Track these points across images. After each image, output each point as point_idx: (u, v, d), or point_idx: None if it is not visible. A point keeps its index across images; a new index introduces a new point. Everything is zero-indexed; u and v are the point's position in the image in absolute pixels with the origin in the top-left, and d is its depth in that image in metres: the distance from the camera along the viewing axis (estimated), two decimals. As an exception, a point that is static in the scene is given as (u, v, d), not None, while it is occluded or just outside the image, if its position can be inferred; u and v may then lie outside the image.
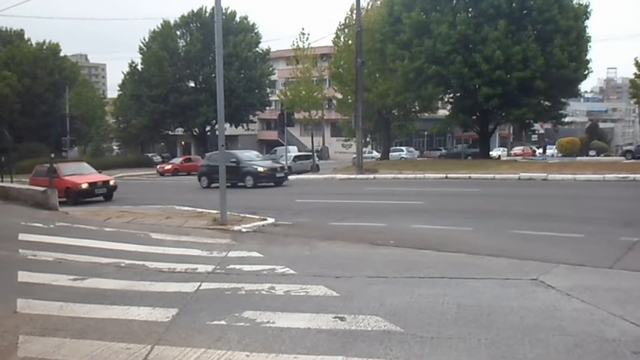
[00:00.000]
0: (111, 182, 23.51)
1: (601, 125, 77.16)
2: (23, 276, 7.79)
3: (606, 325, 5.43)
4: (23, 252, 9.42)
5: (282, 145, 38.55)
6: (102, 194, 22.87)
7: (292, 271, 8.05)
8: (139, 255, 9.37)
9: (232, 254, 9.54)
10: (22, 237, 10.69)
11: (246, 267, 8.38)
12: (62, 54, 68.00)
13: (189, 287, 7.18)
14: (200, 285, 7.23)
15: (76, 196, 21.92)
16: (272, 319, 5.76)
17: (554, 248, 9.61)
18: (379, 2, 46.61)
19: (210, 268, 8.34)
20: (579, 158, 47.40)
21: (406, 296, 6.53)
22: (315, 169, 40.92)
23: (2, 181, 19.96)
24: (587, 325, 5.46)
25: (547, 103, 39.60)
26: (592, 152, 55.87)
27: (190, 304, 6.44)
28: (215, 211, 14.23)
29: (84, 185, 22.23)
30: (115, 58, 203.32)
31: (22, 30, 69.77)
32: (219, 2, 13.09)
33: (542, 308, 6.01)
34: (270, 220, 13.45)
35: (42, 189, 15.69)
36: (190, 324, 5.70)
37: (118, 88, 71.46)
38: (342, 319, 5.71)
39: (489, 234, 11.29)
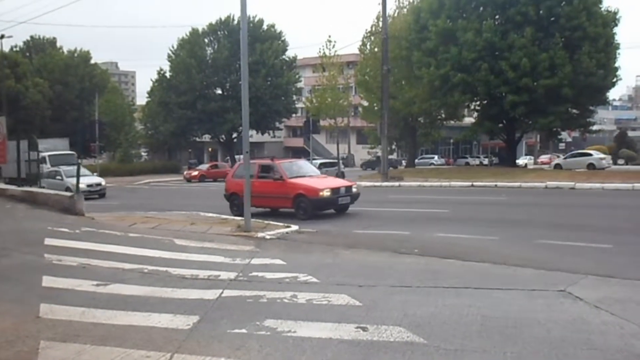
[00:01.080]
0: (354, 189, 17.54)
1: (630, 133, 75.75)
2: (47, 281, 7.84)
3: (637, 339, 5.27)
4: (48, 257, 9.49)
5: (308, 152, 38.34)
6: (345, 204, 16.94)
7: (314, 279, 7.98)
8: (162, 261, 9.39)
9: (255, 261, 9.50)
10: (48, 241, 10.77)
11: (269, 275, 8.33)
12: (92, 61, 69.17)
13: (211, 294, 7.15)
14: (222, 293, 7.20)
15: (314, 207, 16.24)
16: (294, 328, 5.70)
17: (581, 259, 9.41)
18: (405, 10, 46.51)
19: (232, 275, 8.30)
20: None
21: (430, 306, 6.42)
22: (341, 176, 40.85)
23: (30, 186, 20.07)
24: (617, 339, 5.29)
25: (574, 111, 39.04)
26: (620, 161, 54.97)
27: (212, 311, 6.41)
28: (239, 218, 14.25)
29: (326, 193, 16.21)
30: (145, 65, 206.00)
31: (54, 38, 71.26)
32: (244, 9, 13.13)
33: (570, 321, 5.86)
34: (294, 227, 13.42)
35: (68, 194, 15.79)
36: (210, 332, 5.66)
37: (147, 95, 72.31)
38: (364, 329, 5.62)
39: (515, 244, 11.11)
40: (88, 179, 29.18)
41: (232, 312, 6.34)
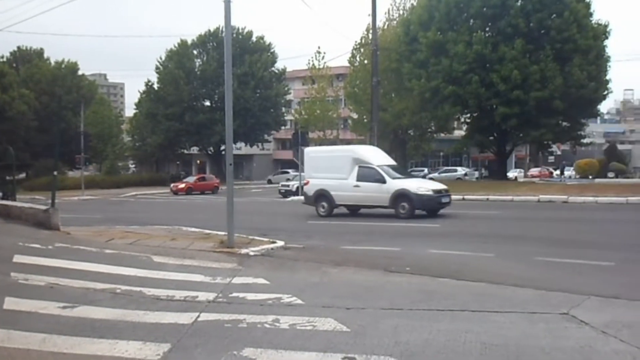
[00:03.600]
0: None
1: (619, 146, 75.87)
2: (10, 303, 7.21)
3: (653, 372, 4.77)
4: (15, 276, 8.85)
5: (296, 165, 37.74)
6: None
7: (299, 301, 7.43)
8: (137, 280, 8.79)
9: (237, 280, 8.94)
10: (17, 258, 10.13)
11: (250, 296, 7.75)
12: (81, 72, 68.69)
13: (186, 317, 6.58)
14: (198, 316, 6.63)
15: None
16: (275, 359, 5.15)
17: (582, 277, 8.95)
18: (395, 22, 46.30)
19: (211, 296, 7.72)
20: (597, 180, 46.42)
21: (424, 332, 5.89)
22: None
23: (7, 199, 19.27)
24: (631, 371, 4.80)
25: (565, 124, 38.89)
26: (610, 174, 54.81)
27: (185, 338, 5.83)
28: (223, 233, 13.64)
29: None
30: (133, 76, 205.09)
31: (41, 49, 70.68)
32: (228, 15, 12.67)
33: (577, 349, 5.36)
34: (280, 243, 12.84)
35: (43, 207, 15.08)
36: (182, 363, 5.10)
37: (134, 107, 71.72)
38: (352, 359, 5.08)
39: (511, 261, 10.62)
40: None
41: (208, 340, 5.78)
